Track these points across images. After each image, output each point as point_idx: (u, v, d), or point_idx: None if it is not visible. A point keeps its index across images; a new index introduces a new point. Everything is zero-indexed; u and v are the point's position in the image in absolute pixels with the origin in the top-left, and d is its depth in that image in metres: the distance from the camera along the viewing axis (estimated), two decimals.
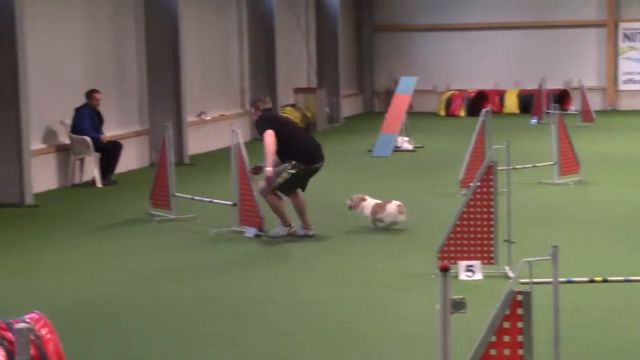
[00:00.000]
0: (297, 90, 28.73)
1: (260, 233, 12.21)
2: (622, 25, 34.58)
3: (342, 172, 18.74)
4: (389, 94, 32.38)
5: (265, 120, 12.42)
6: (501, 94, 34.25)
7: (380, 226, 12.68)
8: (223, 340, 7.82)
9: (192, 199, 13.97)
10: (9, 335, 4.33)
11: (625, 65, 34.71)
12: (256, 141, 25.04)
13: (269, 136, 12.08)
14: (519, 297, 5.01)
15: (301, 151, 12.40)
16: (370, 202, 12.86)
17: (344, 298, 9.18)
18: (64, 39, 17.93)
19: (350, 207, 12.99)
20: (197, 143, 22.04)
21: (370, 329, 8.14)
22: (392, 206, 12.66)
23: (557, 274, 5.30)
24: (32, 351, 4.29)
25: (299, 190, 12.51)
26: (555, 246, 5.27)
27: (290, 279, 10.03)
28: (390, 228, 12.61)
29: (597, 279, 9.48)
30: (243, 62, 25.99)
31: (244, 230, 12.41)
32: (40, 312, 4.73)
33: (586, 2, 34.80)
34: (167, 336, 8.01)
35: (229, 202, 12.91)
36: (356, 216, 13.08)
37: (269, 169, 12.01)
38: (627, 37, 34.64)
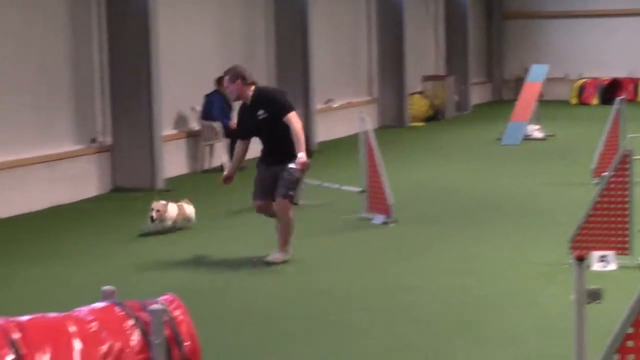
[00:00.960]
0: (426, 78, 28.62)
1: (389, 220, 12.17)
2: None
3: (470, 161, 18.60)
4: (518, 82, 31.94)
5: (287, 96, 10.33)
6: (635, 82, 33.46)
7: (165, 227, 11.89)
8: (355, 329, 7.80)
9: (320, 185, 14.01)
10: (144, 316, 4.39)
11: None
12: (386, 128, 25.07)
13: (298, 117, 10.10)
14: None
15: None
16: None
17: (477, 287, 9.07)
18: (196, 26, 18.18)
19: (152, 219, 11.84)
20: (325, 130, 22.11)
21: (504, 318, 8.03)
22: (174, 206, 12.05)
23: None
24: (166, 332, 4.35)
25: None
26: None
27: (422, 267, 9.97)
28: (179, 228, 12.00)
29: None
30: (371, 50, 25.99)
31: (372, 217, 12.39)
32: (174, 294, 4.79)
33: None
34: (295, 325, 8.03)
35: (358, 189, 12.91)
36: (492, 205, 12.92)
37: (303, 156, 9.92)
38: None
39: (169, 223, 11.95)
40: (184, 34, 17.73)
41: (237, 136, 10.50)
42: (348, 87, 24.62)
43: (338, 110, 23.53)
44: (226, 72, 10.14)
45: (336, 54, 23.95)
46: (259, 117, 10.01)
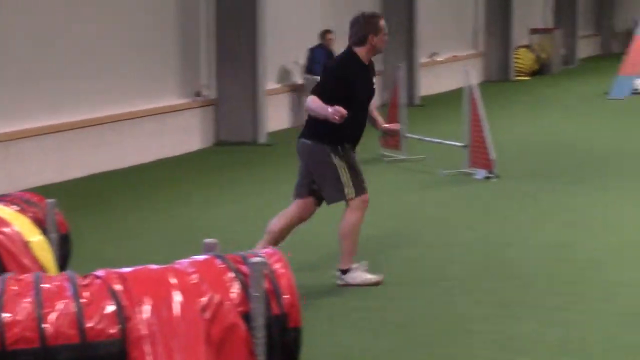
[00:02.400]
0: (533, 31, 28.20)
1: (491, 175, 12.07)
2: None
3: (576, 115, 18.34)
4: (628, 35, 31.25)
5: None
6: None
7: None
8: (461, 282, 7.77)
9: (421, 139, 13.96)
10: (244, 268, 4.45)
11: None
12: (491, 82, 24.81)
13: None
14: None
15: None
16: None
17: (579, 242, 8.95)
18: None
19: None
20: (428, 84, 21.99)
21: (603, 274, 7.92)
22: None
23: None
24: (266, 285, 4.40)
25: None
26: None
27: (523, 223, 9.87)
28: None
29: None
30: (478, 2, 25.68)
31: (474, 172, 12.31)
32: (275, 249, 4.84)
33: None
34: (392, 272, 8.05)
35: (460, 144, 12.83)
36: (597, 160, 12.73)
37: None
38: None
39: None
40: None
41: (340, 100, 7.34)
42: (453, 40, 24.39)
43: (442, 63, 23.36)
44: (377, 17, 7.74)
45: (441, 6, 23.71)
46: (374, 86, 7.89)
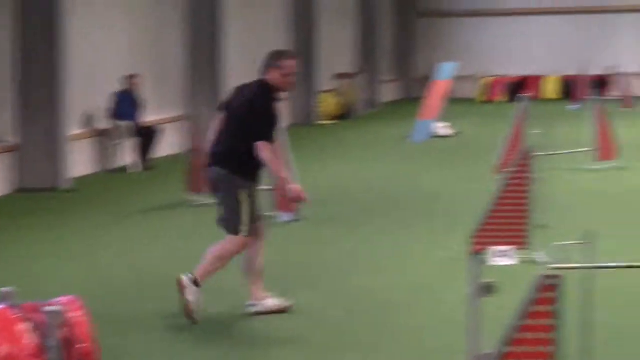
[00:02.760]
0: (338, 76, 28.67)
1: (294, 219, 12.16)
2: None
3: (379, 158, 18.72)
4: (428, 80, 32.25)
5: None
6: (541, 80, 34.08)
7: None
8: (257, 336, 7.77)
9: None
10: (40, 317, 4.34)
11: None
12: (296, 126, 25.10)
13: None
14: (550, 281, 4.96)
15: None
16: None
17: (381, 282, 9.13)
18: (105, 25, 17.97)
19: None
20: None
21: (408, 313, 8.09)
22: None
23: (591, 259, 5.24)
24: (62, 334, 4.30)
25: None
26: (589, 231, 5.20)
27: (325, 266, 9.98)
28: None
29: (635, 264, 9.38)
30: (281, 46, 25.99)
31: (278, 215, 12.36)
32: (74, 295, 4.74)
33: None
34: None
35: (266, 187, 12.87)
36: (400, 202, 13.01)
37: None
38: None
39: None
40: (92, 32, 17.51)
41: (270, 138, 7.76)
42: None
43: None
44: (276, 55, 8.08)
45: (248, 53, 23.86)
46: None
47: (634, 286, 8.79)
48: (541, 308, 5.03)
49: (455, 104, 28.57)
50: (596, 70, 32.91)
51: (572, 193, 14.02)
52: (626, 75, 29.03)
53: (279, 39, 25.72)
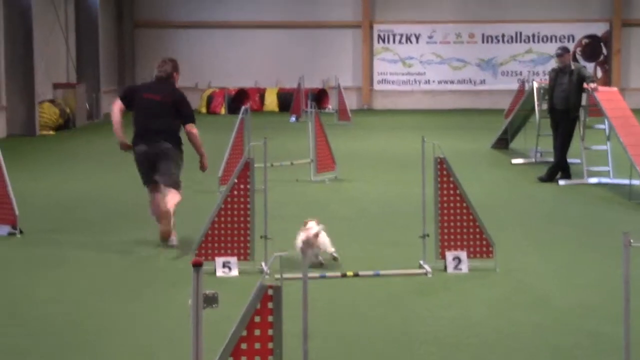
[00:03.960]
0: (56, 86, 28.08)
1: (14, 231, 11.84)
2: (377, 27, 35.67)
3: (102, 170, 18.45)
4: None
5: None
6: (262, 92, 34.67)
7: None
8: None
9: None
10: None
11: (379, 66, 35.84)
12: (14, 137, 24.36)
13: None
14: (270, 291, 5.08)
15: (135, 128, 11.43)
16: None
17: (99, 302, 9.02)
18: None
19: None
20: None
21: (129, 327, 8.03)
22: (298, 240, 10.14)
23: (306, 269, 5.41)
24: None
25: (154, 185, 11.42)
26: (306, 241, 5.36)
27: (51, 279, 9.78)
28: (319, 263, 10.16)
29: (349, 273, 9.74)
30: (0, 56, 25.19)
31: None
32: None
33: (343, 3, 35.71)
34: None
35: None
36: (121, 213, 12.89)
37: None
38: (382, 39, 35.74)
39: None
40: None
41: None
42: None
43: None
44: (172, 64, 11.52)
45: None
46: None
47: (351, 295, 9.11)
48: (261, 318, 5.14)
49: None
50: (315, 84, 33.84)
51: (293, 204, 14.33)
52: (343, 88, 29.96)
53: None
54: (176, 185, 11.23)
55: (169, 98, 11.26)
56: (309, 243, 9.83)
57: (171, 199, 11.06)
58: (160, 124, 11.16)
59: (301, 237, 10.03)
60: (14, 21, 25.35)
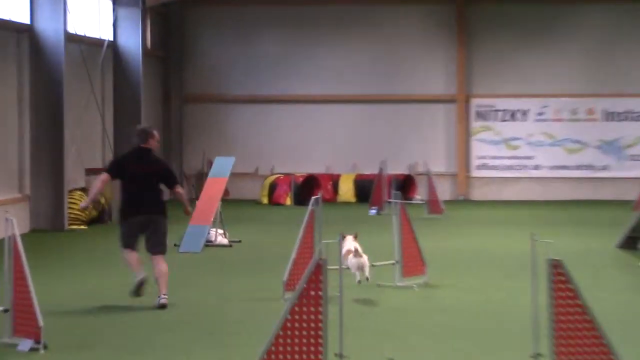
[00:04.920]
0: (89, 172, 28.30)
1: (37, 346, 11.89)
2: (475, 102, 35.63)
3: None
4: (201, 178, 32.34)
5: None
6: (335, 179, 34.74)
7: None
8: None
9: None
10: None
11: (478, 148, 35.72)
12: (39, 232, 24.65)
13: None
14: None
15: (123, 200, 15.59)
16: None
17: None
18: None
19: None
20: None
21: None
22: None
23: None
24: None
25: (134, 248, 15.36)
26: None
27: None
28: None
29: None
30: (23, 136, 25.56)
31: (18, 342, 12.07)
32: None
33: (433, 74, 35.75)
34: None
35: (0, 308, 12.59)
36: (164, 325, 12.88)
37: None
38: (481, 116, 35.72)
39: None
40: None
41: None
42: None
43: None
44: (147, 133, 15.42)
45: None
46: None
47: None
48: None
49: (233, 206, 28.80)
50: (399, 169, 33.86)
51: (373, 315, 14.24)
52: (433, 175, 29.93)
53: (18, 125, 25.38)
54: (165, 252, 15.39)
55: (155, 169, 15.40)
56: (358, 253, 15.46)
57: (163, 262, 15.19)
58: (152, 196, 15.26)
59: (347, 246, 15.46)
60: (42, 95, 25.71)
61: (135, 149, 15.43)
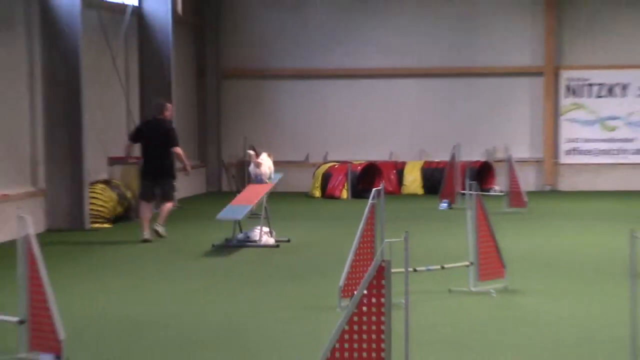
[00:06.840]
0: (113, 161, 28.34)
1: None
2: (565, 74, 35.46)
3: (171, 280, 18.61)
4: (242, 167, 32.45)
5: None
6: (399, 168, 34.75)
7: None
8: None
9: None
10: None
11: (569, 130, 35.60)
12: (57, 232, 24.82)
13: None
14: None
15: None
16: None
17: None
18: None
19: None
20: None
21: None
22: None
23: None
24: None
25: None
26: None
27: None
28: None
29: None
30: (35, 120, 25.65)
31: (35, 357, 12.30)
32: None
33: (516, 42, 35.57)
34: None
35: (14, 318, 12.80)
36: (197, 342, 13.05)
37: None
38: (572, 91, 35.57)
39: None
40: None
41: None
42: (3, 174, 24.23)
43: None
44: (162, 105, 23.95)
45: None
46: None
47: None
48: None
49: (281, 200, 28.86)
50: (475, 155, 33.87)
51: (444, 325, 14.34)
52: (515, 161, 29.88)
53: (30, 109, 25.54)
54: (171, 201, 23.81)
55: (165, 135, 23.46)
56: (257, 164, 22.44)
57: (168, 203, 23.63)
58: (162, 161, 23.46)
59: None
60: (56, 72, 25.65)
61: (151, 120, 24.17)
